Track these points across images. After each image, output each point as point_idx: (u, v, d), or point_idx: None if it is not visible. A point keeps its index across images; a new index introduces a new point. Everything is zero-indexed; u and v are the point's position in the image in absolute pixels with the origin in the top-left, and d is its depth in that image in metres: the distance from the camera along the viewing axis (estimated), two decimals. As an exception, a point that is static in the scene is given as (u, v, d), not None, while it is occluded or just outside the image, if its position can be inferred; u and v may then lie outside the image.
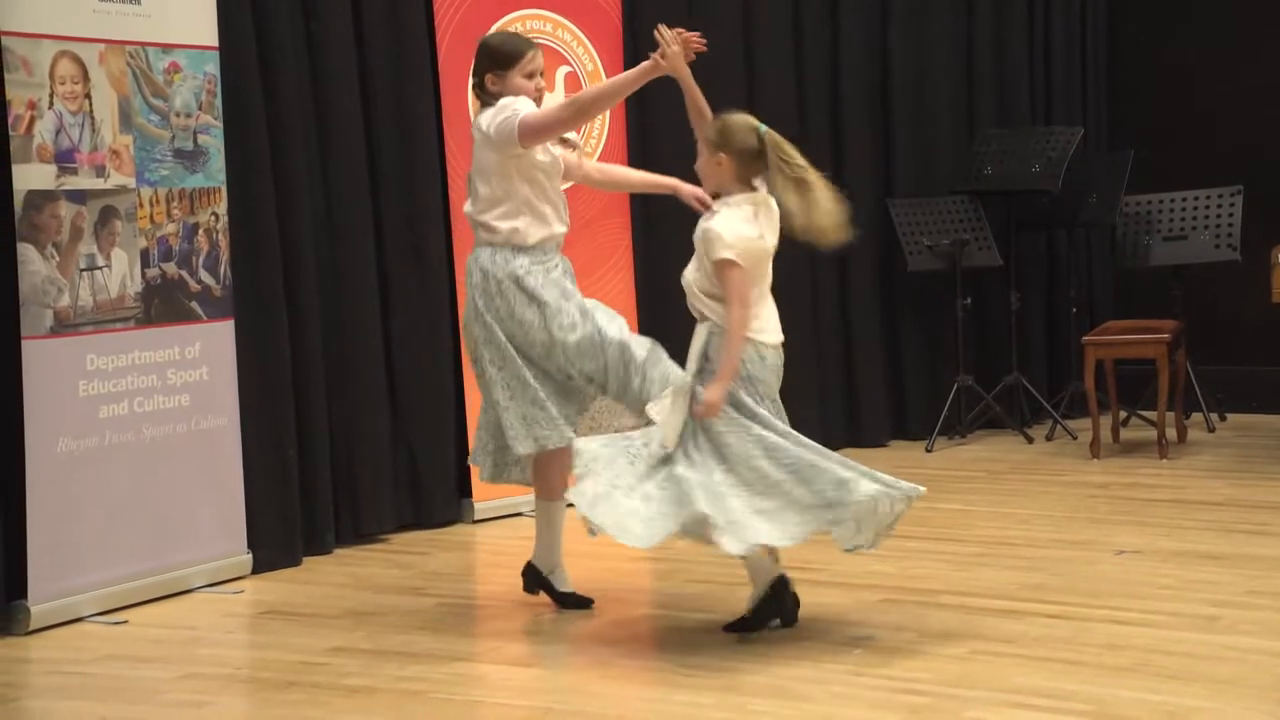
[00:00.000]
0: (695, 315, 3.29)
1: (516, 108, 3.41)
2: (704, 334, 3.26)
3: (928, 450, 5.66)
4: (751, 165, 3.23)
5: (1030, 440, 5.76)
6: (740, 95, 5.44)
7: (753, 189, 3.27)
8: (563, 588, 3.60)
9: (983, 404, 5.83)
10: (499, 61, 3.48)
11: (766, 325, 3.30)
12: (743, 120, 3.26)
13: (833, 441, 5.73)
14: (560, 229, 3.53)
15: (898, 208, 5.83)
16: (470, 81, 3.58)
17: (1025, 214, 5.95)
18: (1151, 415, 5.54)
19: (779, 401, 3.33)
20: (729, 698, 2.93)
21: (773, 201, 3.29)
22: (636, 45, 5.18)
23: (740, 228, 3.23)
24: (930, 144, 5.98)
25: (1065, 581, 3.71)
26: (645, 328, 5.17)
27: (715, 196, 3.33)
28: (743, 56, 5.47)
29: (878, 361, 5.87)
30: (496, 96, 3.46)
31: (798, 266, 5.63)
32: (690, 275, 3.28)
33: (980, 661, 3.09)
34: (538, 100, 3.50)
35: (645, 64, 3.44)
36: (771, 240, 3.30)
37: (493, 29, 4.79)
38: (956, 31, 6.05)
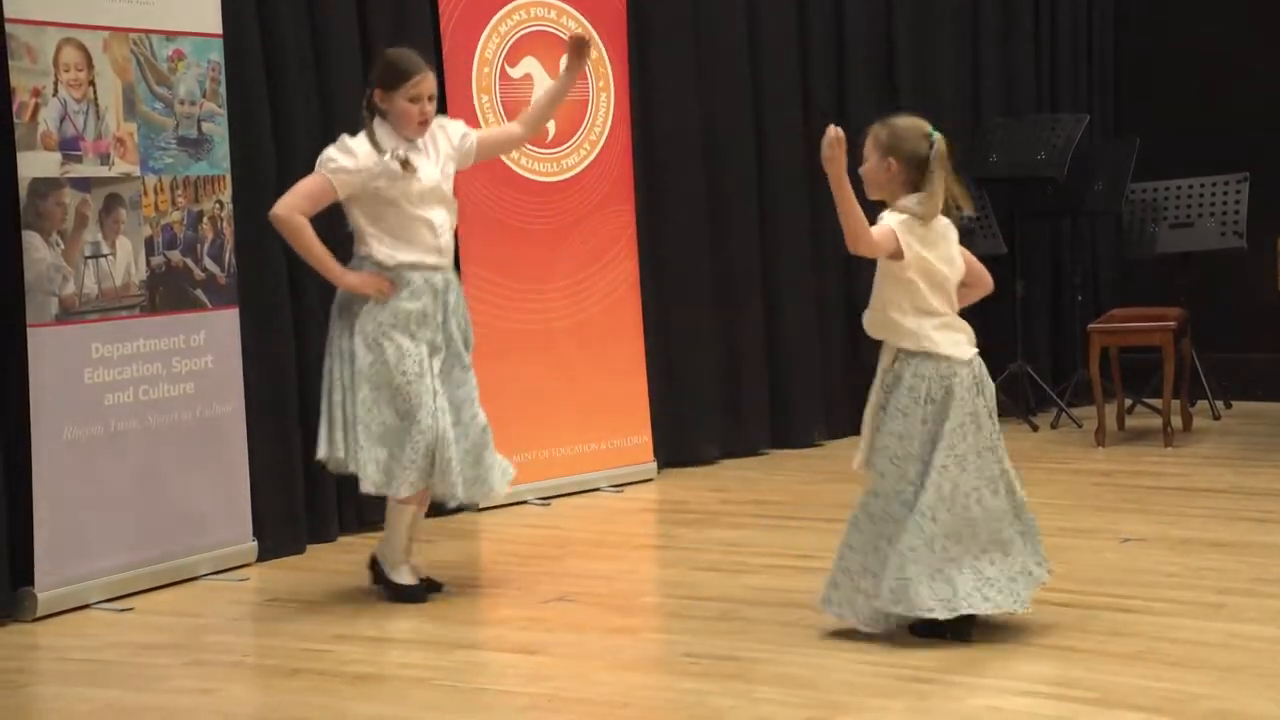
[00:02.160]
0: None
1: (324, 159, 3.47)
2: (889, 355, 3.16)
3: (932, 438, 5.65)
4: (919, 172, 3.08)
5: (1035, 428, 5.76)
6: (744, 85, 5.44)
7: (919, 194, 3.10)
8: (402, 580, 3.61)
9: (987, 392, 5.82)
10: (387, 80, 3.48)
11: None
12: (914, 124, 3.12)
13: (838, 430, 5.77)
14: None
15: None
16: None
17: (1030, 202, 5.93)
18: (1156, 403, 5.53)
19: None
20: (735, 685, 2.93)
21: (950, 227, 3.14)
22: (640, 34, 5.17)
23: (909, 217, 3.08)
24: (936, 130, 5.94)
25: (1070, 569, 3.71)
26: (650, 316, 5.20)
27: (883, 206, 3.19)
28: (747, 45, 5.45)
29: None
30: (381, 114, 3.48)
31: (802, 255, 5.64)
32: (866, 316, 3.19)
33: (985, 649, 3.09)
34: (422, 126, 3.48)
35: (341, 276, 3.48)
36: (946, 265, 3.12)
37: (497, 15, 4.79)
38: (962, 18, 6.03)
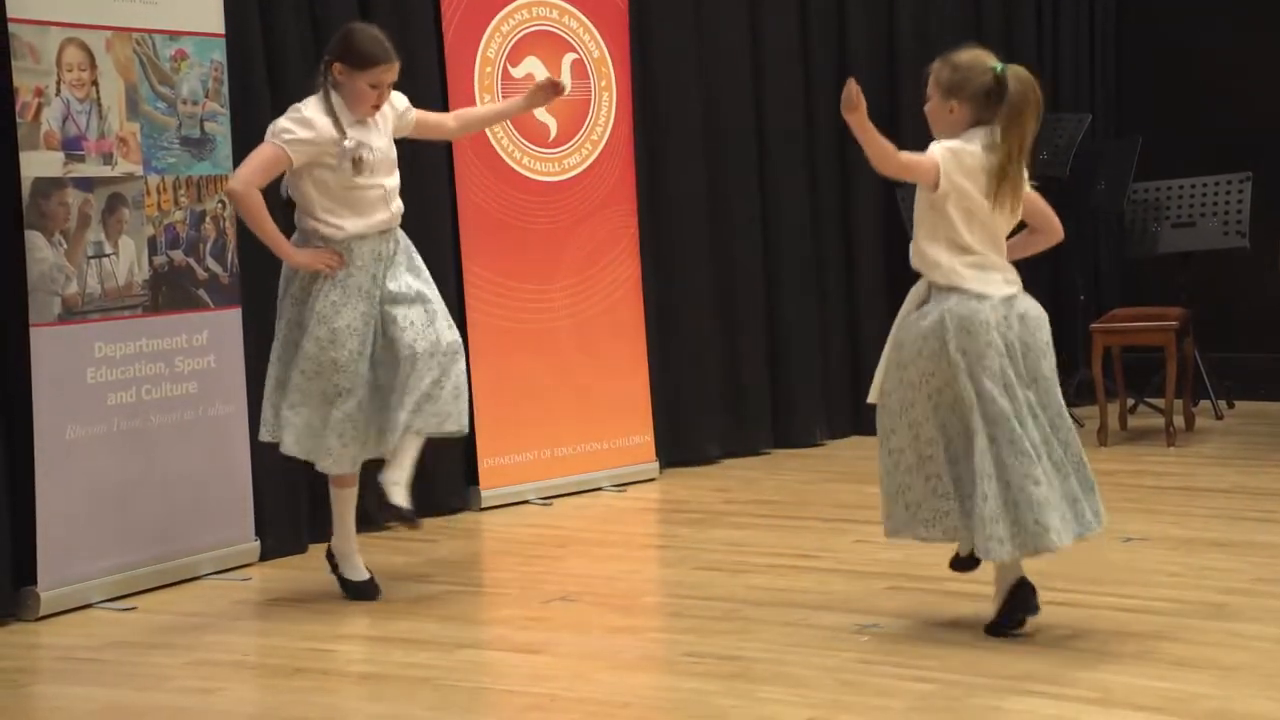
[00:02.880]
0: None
1: (278, 129, 3.45)
2: (924, 286, 3.04)
3: (934, 438, 5.65)
4: (988, 109, 2.89)
5: (1037, 428, 5.75)
6: (746, 85, 5.44)
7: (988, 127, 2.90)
8: (353, 576, 3.63)
9: (989, 392, 5.81)
10: (351, 58, 3.46)
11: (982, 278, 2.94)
12: (975, 58, 2.92)
13: (839, 430, 5.77)
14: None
15: (905, 197, 5.81)
16: (323, 58, 3.54)
17: (1032, 201, 5.92)
18: (1159, 403, 5.53)
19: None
20: (736, 685, 2.93)
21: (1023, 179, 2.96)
22: (644, 33, 5.17)
23: (961, 145, 2.93)
24: (938, 131, 5.95)
25: (1071, 569, 3.70)
26: (652, 315, 5.20)
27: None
28: (749, 44, 5.46)
29: (884, 349, 5.85)
30: (335, 87, 3.46)
31: (803, 254, 5.64)
32: (911, 247, 3.06)
33: (986, 649, 3.09)
34: (373, 110, 3.48)
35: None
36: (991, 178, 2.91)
37: (499, 15, 4.79)
38: (964, 18, 6.03)
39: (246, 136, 4.07)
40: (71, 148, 3.62)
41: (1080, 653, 3.05)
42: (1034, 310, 3.08)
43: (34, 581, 3.55)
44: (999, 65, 2.94)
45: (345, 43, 3.50)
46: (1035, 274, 6.05)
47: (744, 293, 5.45)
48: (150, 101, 3.81)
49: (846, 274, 5.80)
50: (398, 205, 3.57)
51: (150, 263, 3.81)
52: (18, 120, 3.51)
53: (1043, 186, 6.29)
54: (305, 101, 3.50)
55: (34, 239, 3.55)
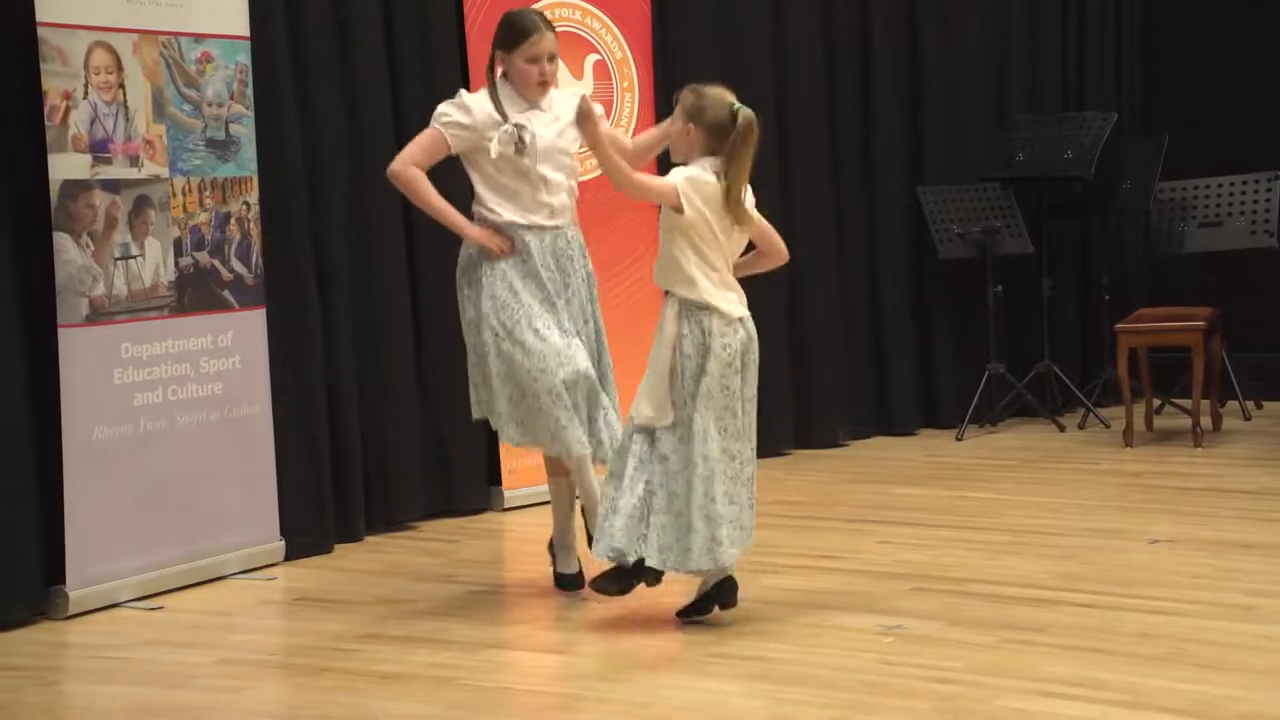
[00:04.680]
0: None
1: (438, 113, 3.45)
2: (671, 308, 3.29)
3: (958, 439, 5.63)
4: (719, 140, 3.24)
5: (1062, 429, 5.72)
6: (768, 81, 5.43)
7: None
8: (562, 569, 3.61)
9: (1014, 392, 5.79)
10: (505, 40, 3.46)
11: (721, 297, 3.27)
12: (719, 95, 3.25)
13: (862, 431, 5.76)
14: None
15: (928, 195, 5.79)
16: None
17: (1058, 200, 5.89)
18: (1186, 403, 5.49)
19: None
20: (758, 686, 2.93)
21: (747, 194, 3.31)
22: (666, 34, 5.17)
23: (698, 174, 3.25)
24: (960, 131, 5.93)
25: (1097, 570, 3.69)
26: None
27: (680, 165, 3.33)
28: (772, 42, 5.45)
29: (907, 350, 5.85)
30: (505, 78, 3.45)
31: (826, 255, 5.63)
32: (655, 267, 3.34)
33: (1011, 650, 3.08)
34: (542, 88, 3.45)
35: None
36: (725, 233, 3.26)
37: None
38: (988, 14, 6.00)
39: (270, 138, 4.10)
40: (99, 150, 3.65)
41: (1107, 654, 3.03)
42: (753, 331, 3.37)
43: (63, 580, 3.58)
44: (735, 104, 3.24)
45: (499, 29, 3.49)
46: (1061, 274, 6.10)
47: (766, 293, 5.42)
48: (176, 104, 3.84)
49: (869, 273, 5.78)
50: (561, 201, 3.47)
51: (176, 264, 3.83)
52: (46, 123, 3.55)
53: (1068, 186, 6.28)
54: (478, 92, 3.47)
55: (62, 241, 3.58)
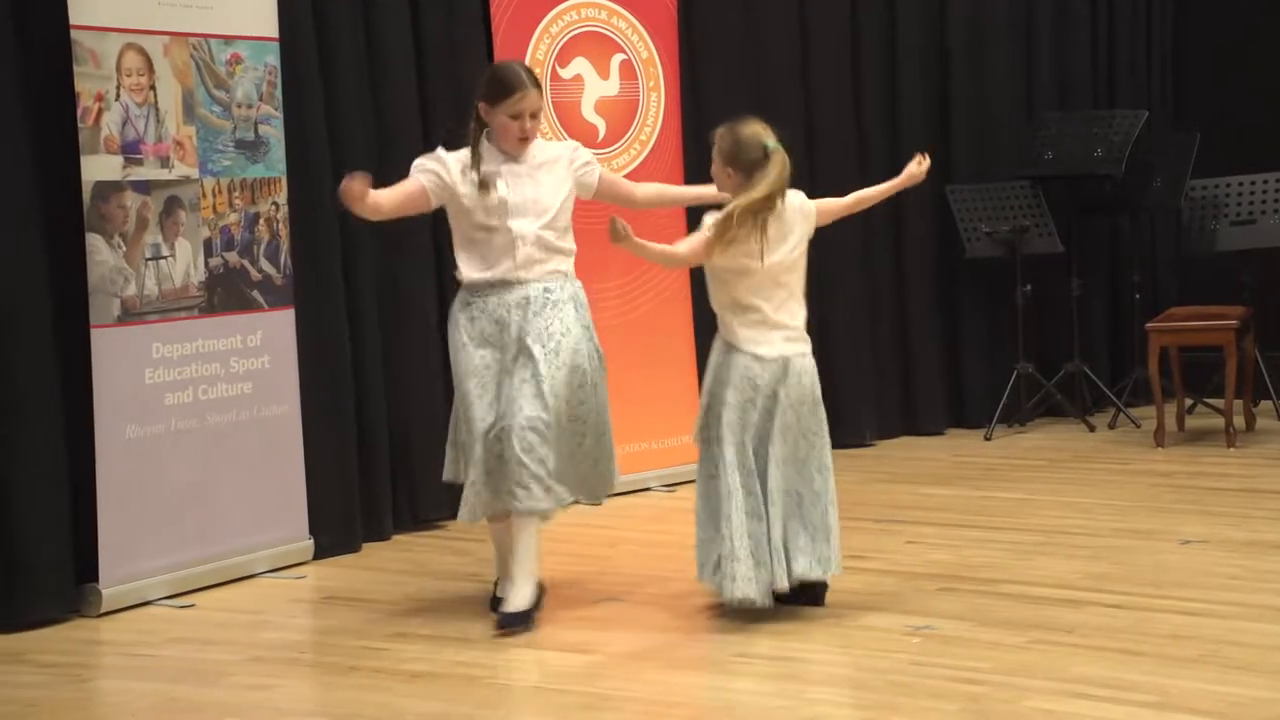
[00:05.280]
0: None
1: (415, 164, 3.41)
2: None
3: (986, 439, 5.60)
4: (759, 179, 3.27)
5: (1092, 428, 5.68)
6: (795, 80, 5.42)
7: None
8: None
9: (1043, 391, 5.76)
10: (489, 94, 3.40)
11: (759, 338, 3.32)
12: (753, 134, 3.28)
13: (889, 430, 5.73)
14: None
15: (956, 194, 5.76)
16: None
17: (1087, 199, 5.85)
18: (1218, 403, 5.43)
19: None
20: (787, 686, 2.92)
21: (789, 206, 3.33)
22: (692, 33, 5.17)
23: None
24: (989, 129, 5.90)
25: (1128, 571, 3.66)
26: (700, 316, 5.18)
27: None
28: (798, 40, 5.44)
29: (935, 349, 5.82)
30: (485, 130, 3.41)
31: (854, 254, 5.61)
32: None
33: (1040, 651, 3.06)
34: (522, 143, 3.39)
35: None
36: (770, 255, 3.31)
37: (548, 16, 4.81)
38: (1015, 11, 5.96)
39: (299, 139, 4.13)
40: (130, 151, 3.69)
41: (1137, 656, 3.01)
42: (796, 377, 3.38)
43: (96, 578, 3.61)
44: (769, 144, 3.28)
45: (485, 80, 3.46)
46: (1091, 273, 6.06)
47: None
48: (206, 105, 3.86)
49: (897, 272, 5.76)
50: (526, 254, 3.35)
51: (206, 264, 3.86)
52: (79, 125, 3.58)
53: (1098, 184, 6.21)
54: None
55: (94, 241, 3.61)
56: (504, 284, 3.39)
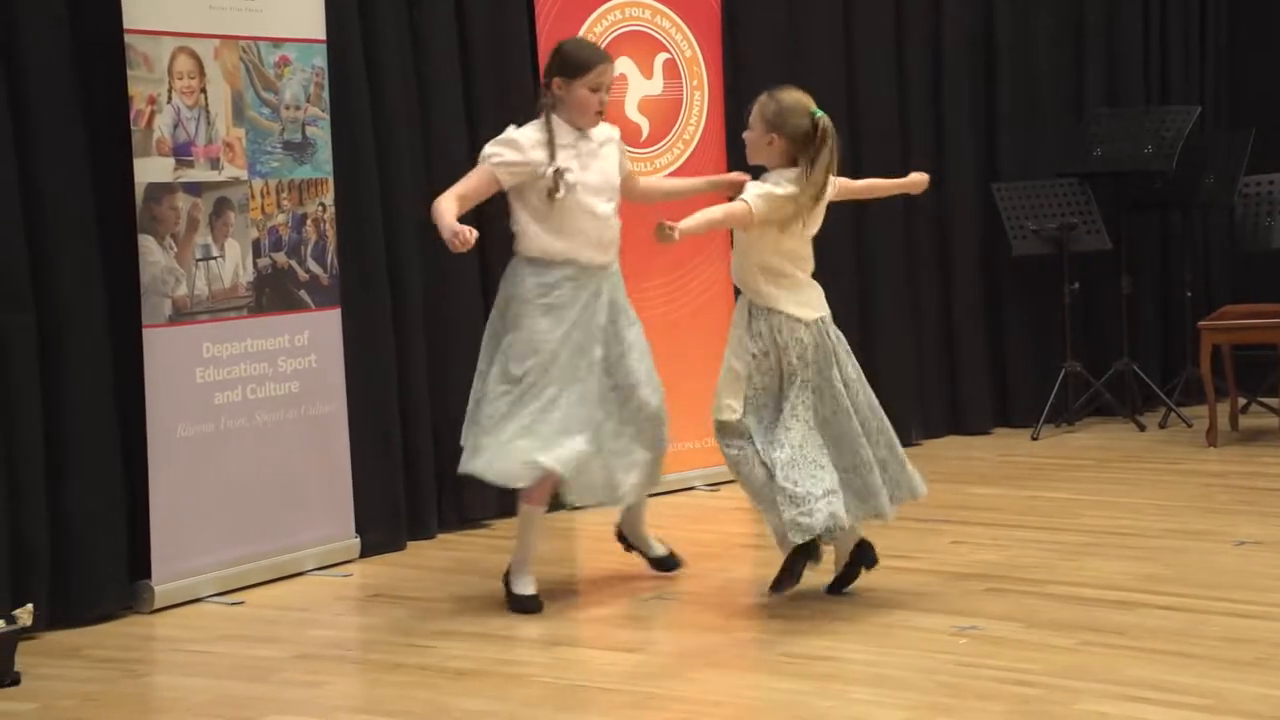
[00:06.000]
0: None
1: (487, 154, 3.46)
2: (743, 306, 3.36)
3: (1034, 438, 5.54)
4: (803, 148, 3.24)
5: (1142, 428, 5.61)
6: (839, 73, 5.39)
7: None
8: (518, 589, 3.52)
9: (1091, 390, 5.69)
10: (568, 68, 3.47)
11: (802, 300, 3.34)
12: (798, 101, 3.25)
13: (935, 430, 5.69)
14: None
15: (1002, 192, 5.71)
16: (540, 84, 3.55)
17: (1137, 196, 5.77)
18: (1273, 402, 5.35)
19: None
20: (831, 685, 2.91)
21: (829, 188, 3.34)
22: (736, 32, 5.15)
23: (771, 190, 3.28)
24: (1036, 125, 5.83)
25: (1180, 572, 3.61)
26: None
27: (759, 171, 3.35)
28: (842, 38, 5.41)
29: (981, 348, 5.77)
30: (558, 103, 3.46)
31: (899, 252, 5.57)
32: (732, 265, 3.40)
33: (1091, 653, 3.02)
34: (597, 117, 3.48)
35: None
36: (810, 228, 3.35)
37: (592, 16, 4.82)
38: (1065, 5, 5.89)
39: (345, 140, 4.16)
40: (181, 153, 3.73)
41: (1191, 659, 2.97)
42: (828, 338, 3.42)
43: (149, 575, 3.66)
44: (817, 110, 3.25)
45: (559, 56, 3.51)
46: (1141, 271, 5.97)
47: (836, 290, 5.34)
48: (255, 107, 3.91)
49: (941, 272, 5.71)
50: (611, 235, 3.49)
51: (254, 265, 3.91)
52: (132, 128, 3.63)
53: (1148, 180, 6.12)
54: (525, 125, 3.48)
55: (146, 243, 3.66)
56: (582, 263, 3.48)
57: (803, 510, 3.22)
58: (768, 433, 3.30)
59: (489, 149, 3.48)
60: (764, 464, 3.28)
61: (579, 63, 3.46)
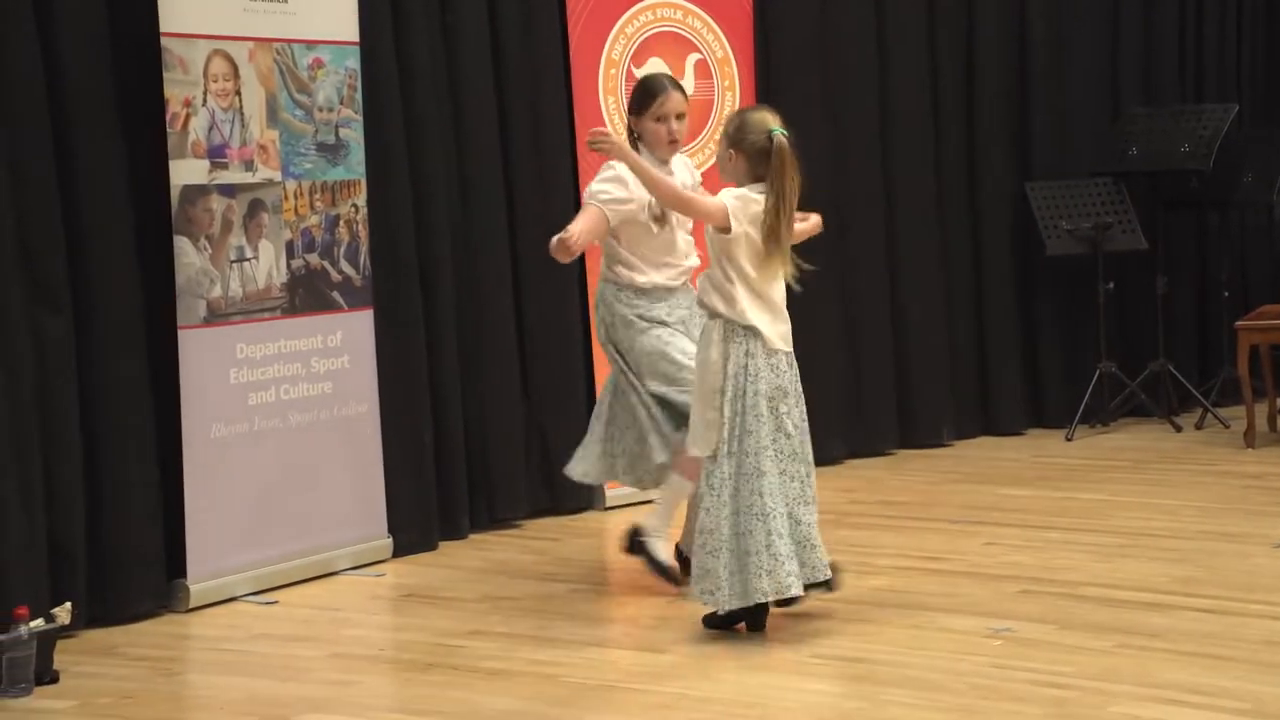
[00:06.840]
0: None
1: (594, 192, 3.55)
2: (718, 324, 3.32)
3: (1068, 439, 5.50)
4: (762, 165, 3.25)
5: (1179, 429, 5.55)
6: (872, 74, 5.37)
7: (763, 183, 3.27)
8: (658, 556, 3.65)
9: (1127, 391, 5.64)
10: (634, 104, 3.65)
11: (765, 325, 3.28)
12: (759, 119, 3.27)
13: (968, 430, 5.66)
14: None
15: (1036, 191, 5.66)
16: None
17: (1173, 194, 5.71)
18: (1311, 403, 5.28)
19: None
20: (862, 687, 2.90)
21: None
22: (768, 32, 5.14)
23: (747, 193, 3.27)
24: (1070, 124, 5.78)
25: (1217, 575, 3.57)
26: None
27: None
28: (874, 38, 5.38)
29: (1014, 348, 5.73)
30: (640, 137, 3.61)
31: (932, 252, 5.54)
32: (699, 281, 3.37)
33: (1126, 655, 3.00)
34: (672, 146, 3.60)
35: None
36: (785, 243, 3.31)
37: (624, 17, 4.82)
38: (1100, 2, 5.84)
39: (378, 142, 4.19)
40: (216, 155, 3.77)
41: (1229, 661, 2.93)
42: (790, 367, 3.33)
43: (184, 575, 3.69)
44: (776, 129, 3.23)
45: (631, 95, 3.70)
46: (1177, 270, 5.91)
47: (868, 291, 5.38)
48: (288, 109, 3.94)
49: (973, 271, 5.67)
50: (691, 262, 3.65)
51: (288, 266, 3.93)
52: (168, 130, 3.67)
53: (1185, 179, 6.05)
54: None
55: (181, 244, 3.70)
56: (670, 289, 3.63)
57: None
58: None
59: (596, 187, 3.57)
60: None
61: (640, 96, 3.63)
